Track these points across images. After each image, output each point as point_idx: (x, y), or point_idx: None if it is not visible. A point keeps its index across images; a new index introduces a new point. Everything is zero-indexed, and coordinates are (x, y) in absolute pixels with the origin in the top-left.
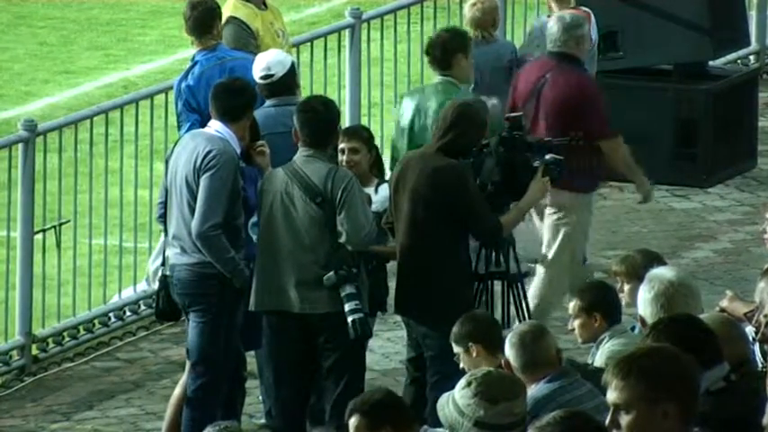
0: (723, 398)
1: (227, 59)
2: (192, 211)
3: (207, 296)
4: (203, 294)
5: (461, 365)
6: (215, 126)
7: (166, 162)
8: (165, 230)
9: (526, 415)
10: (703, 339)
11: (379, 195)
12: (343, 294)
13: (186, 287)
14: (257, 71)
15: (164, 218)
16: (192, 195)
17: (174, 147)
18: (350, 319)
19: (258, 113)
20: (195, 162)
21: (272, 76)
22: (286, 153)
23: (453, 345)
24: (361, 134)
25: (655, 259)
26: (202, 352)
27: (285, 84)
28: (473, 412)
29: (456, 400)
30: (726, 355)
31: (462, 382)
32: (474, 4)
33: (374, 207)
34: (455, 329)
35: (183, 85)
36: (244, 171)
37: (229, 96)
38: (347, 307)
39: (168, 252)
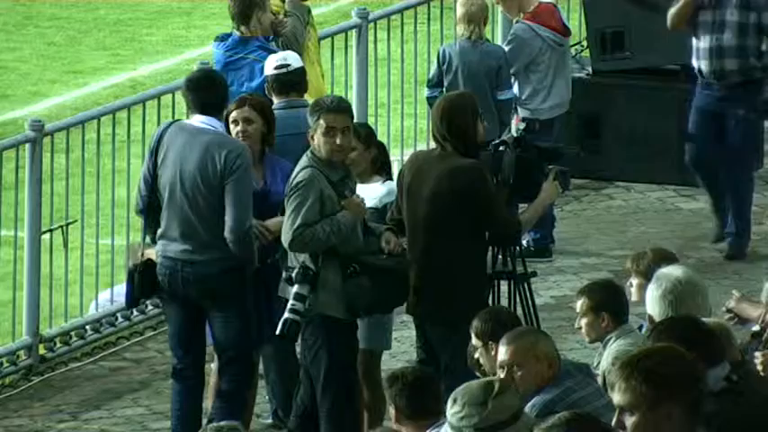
0: (726, 398)
1: (246, 57)
2: (211, 209)
3: (232, 290)
4: (228, 289)
5: (476, 356)
6: (201, 119)
7: (154, 153)
8: (146, 224)
9: (523, 407)
10: (704, 339)
11: (380, 192)
12: (292, 292)
13: (207, 283)
14: (272, 64)
15: (144, 212)
16: (213, 195)
17: (161, 139)
18: (284, 316)
19: None
20: (215, 165)
21: (287, 66)
22: (298, 154)
23: (473, 337)
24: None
25: (667, 259)
26: (236, 346)
27: (297, 78)
28: (468, 422)
29: (450, 422)
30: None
31: (448, 403)
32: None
33: (371, 203)
34: (478, 323)
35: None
36: (275, 166)
37: (208, 89)
38: (288, 305)
39: (162, 248)
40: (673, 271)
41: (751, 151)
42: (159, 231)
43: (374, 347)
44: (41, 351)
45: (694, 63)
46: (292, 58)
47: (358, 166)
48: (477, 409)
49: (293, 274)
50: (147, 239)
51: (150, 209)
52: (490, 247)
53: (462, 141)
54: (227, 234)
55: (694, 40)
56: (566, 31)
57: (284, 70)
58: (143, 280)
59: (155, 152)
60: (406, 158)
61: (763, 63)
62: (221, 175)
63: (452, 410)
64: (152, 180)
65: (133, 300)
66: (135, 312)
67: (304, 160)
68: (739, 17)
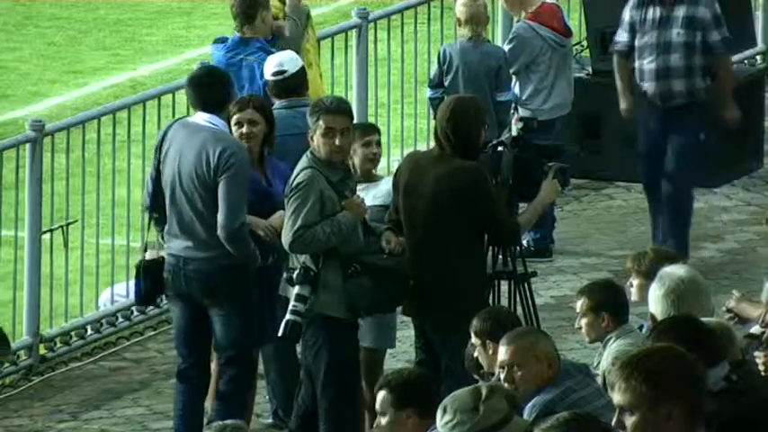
0: (726, 398)
1: (247, 59)
2: (207, 207)
3: (233, 288)
4: (229, 286)
5: (475, 354)
6: (204, 117)
7: (158, 150)
8: (154, 220)
9: (515, 407)
10: (704, 339)
11: (385, 190)
12: (293, 293)
13: (209, 280)
14: (270, 69)
15: (151, 209)
16: (207, 192)
17: (165, 136)
18: (286, 318)
19: None
20: (209, 162)
21: (284, 72)
22: (298, 154)
23: (472, 335)
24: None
25: (668, 258)
26: (237, 345)
27: (296, 82)
28: (461, 429)
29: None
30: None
31: (438, 413)
32: (474, 0)
33: (378, 201)
34: (477, 323)
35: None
36: (275, 167)
37: (210, 86)
38: (289, 306)
39: (167, 245)
40: (676, 270)
41: (691, 171)
42: (165, 228)
43: (379, 346)
44: (42, 351)
45: (638, 84)
46: (289, 63)
47: (376, 163)
48: (469, 415)
49: (294, 275)
50: (155, 237)
51: (157, 205)
52: (490, 247)
53: (464, 144)
54: (219, 232)
55: (637, 62)
56: (567, 32)
57: (281, 77)
58: (146, 278)
59: (159, 149)
60: None
61: (707, 83)
62: (214, 171)
63: (443, 420)
64: (157, 177)
65: (142, 297)
66: (135, 312)
67: (304, 161)
68: (686, 37)
